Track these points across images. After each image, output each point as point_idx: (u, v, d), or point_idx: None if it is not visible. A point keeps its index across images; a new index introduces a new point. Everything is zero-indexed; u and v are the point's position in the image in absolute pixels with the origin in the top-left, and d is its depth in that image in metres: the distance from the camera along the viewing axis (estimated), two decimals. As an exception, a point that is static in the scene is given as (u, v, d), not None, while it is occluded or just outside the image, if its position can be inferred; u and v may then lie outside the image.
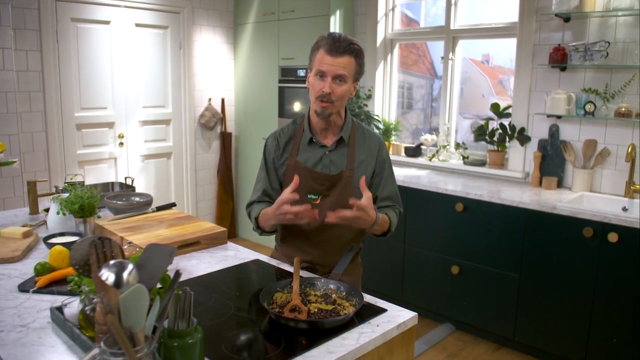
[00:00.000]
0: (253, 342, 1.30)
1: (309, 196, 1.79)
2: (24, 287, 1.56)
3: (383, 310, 1.47)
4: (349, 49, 1.67)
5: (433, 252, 3.38)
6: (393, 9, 4.22)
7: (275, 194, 1.83)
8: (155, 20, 4.42)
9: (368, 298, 1.54)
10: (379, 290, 3.61)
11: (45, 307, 1.43)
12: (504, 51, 3.92)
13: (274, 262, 1.86)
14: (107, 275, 0.94)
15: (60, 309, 1.30)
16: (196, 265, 1.82)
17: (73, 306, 1.27)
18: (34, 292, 1.54)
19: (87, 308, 1.18)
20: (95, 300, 1.16)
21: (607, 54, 3.00)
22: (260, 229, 1.81)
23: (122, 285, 0.94)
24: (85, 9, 4.00)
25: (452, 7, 3.86)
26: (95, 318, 1.10)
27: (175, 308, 1.06)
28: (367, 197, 1.59)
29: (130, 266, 0.97)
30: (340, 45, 1.66)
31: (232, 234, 5.17)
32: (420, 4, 4.29)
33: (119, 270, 0.95)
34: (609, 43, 3.00)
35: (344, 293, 1.53)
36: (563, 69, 3.24)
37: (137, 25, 4.31)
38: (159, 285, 1.18)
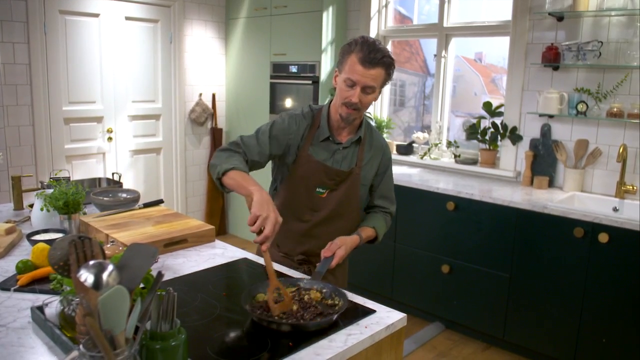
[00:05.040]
0: (239, 344, 1.27)
1: (317, 190, 1.82)
2: (4, 285, 1.52)
3: (372, 312, 1.45)
4: (382, 62, 1.65)
5: (423, 250, 3.37)
6: (386, 6, 4.19)
7: (261, 162, 1.77)
8: (145, 14, 4.36)
9: (357, 298, 1.52)
10: (368, 288, 3.59)
11: (26, 306, 1.40)
12: (497, 49, 3.91)
13: (263, 261, 1.84)
14: (86, 277, 0.91)
15: (41, 309, 1.26)
16: (183, 263, 1.79)
17: (54, 306, 1.24)
18: (15, 290, 1.50)
19: (66, 309, 1.14)
20: (74, 301, 1.13)
21: (600, 53, 3.00)
22: (220, 177, 1.63)
23: (101, 287, 0.91)
24: (74, 1, 3.93)
25: (446, 5, 3.84)
26: (75, 319, 1.07)
27: (158, 309, 1.03)
28: (338, 255, 1.69)
29: (110, 267, 0.94)
30: (374, 57, 1.63)
31: (222, 231, 5.14)
32: (414, 1, 4.26)
33: (98, 271, 0.92)
34: (601, 43, 2.99)
35: (329, 293, 1.52)
36: (556, 68, 3.23)
37: (127, 18, 4.25)
38: (142, 286, 1.15)
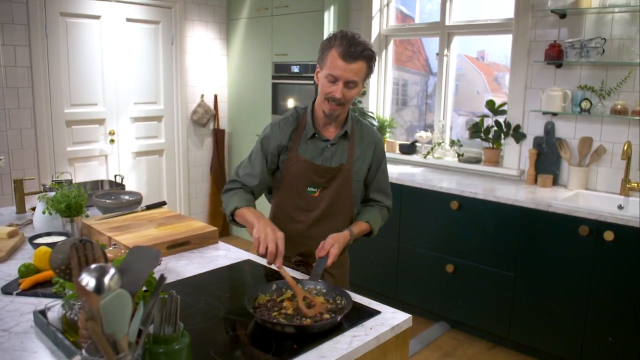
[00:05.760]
0: (242, 347, 1.26)
1: (308, 189, 1.80)
2: (7, 289, 1.52)
3: (376, 312, 1.43)
4: (363, 55, 1.63)
5: (428, 250, 3.35)
6: (388, 5, 4.18)
7: (263, 182, 1.84)
8: (146, 15, 4.36)
9: (361, 299, 1.51)
10: (373, 288, 3.58)
11: (29, 310, 1.39)
12: (500, 48, 3.89)
13: (265, 262, 1.82)
14: (88, 281, 0.90)
15: (43, 313, 1.26)
16: (186, 265, 1.78)
17: (57, 310, 1.23)
18: (18, 294, 1.49)
19: (68, 313, 1.13)
20: (77, 305, 1.12)
21: (603, 50, 2.98)
22: (231, 217, 1.77)
23: (103, 291, 0.90)
24: (75, 4, 3.93)
25: (447, 3, 3.82)
26: (78, 323, 1.06)
27: (161, 313, 1.02)
28: (332, 254, 1.65)
29: (111, 271, 0.93)
30: (355, 51, 1.60)
31: (225, 232, 5.13)
32: (415, 0, 4.25)
33: (99, 275, 0.91)
34: (605, 40, 2.97)
35: (331, 294, 1.51)
36: (559, 65, 3.21)
37: (128, 20, 4.25)
38: (144, 289, 1.14)
